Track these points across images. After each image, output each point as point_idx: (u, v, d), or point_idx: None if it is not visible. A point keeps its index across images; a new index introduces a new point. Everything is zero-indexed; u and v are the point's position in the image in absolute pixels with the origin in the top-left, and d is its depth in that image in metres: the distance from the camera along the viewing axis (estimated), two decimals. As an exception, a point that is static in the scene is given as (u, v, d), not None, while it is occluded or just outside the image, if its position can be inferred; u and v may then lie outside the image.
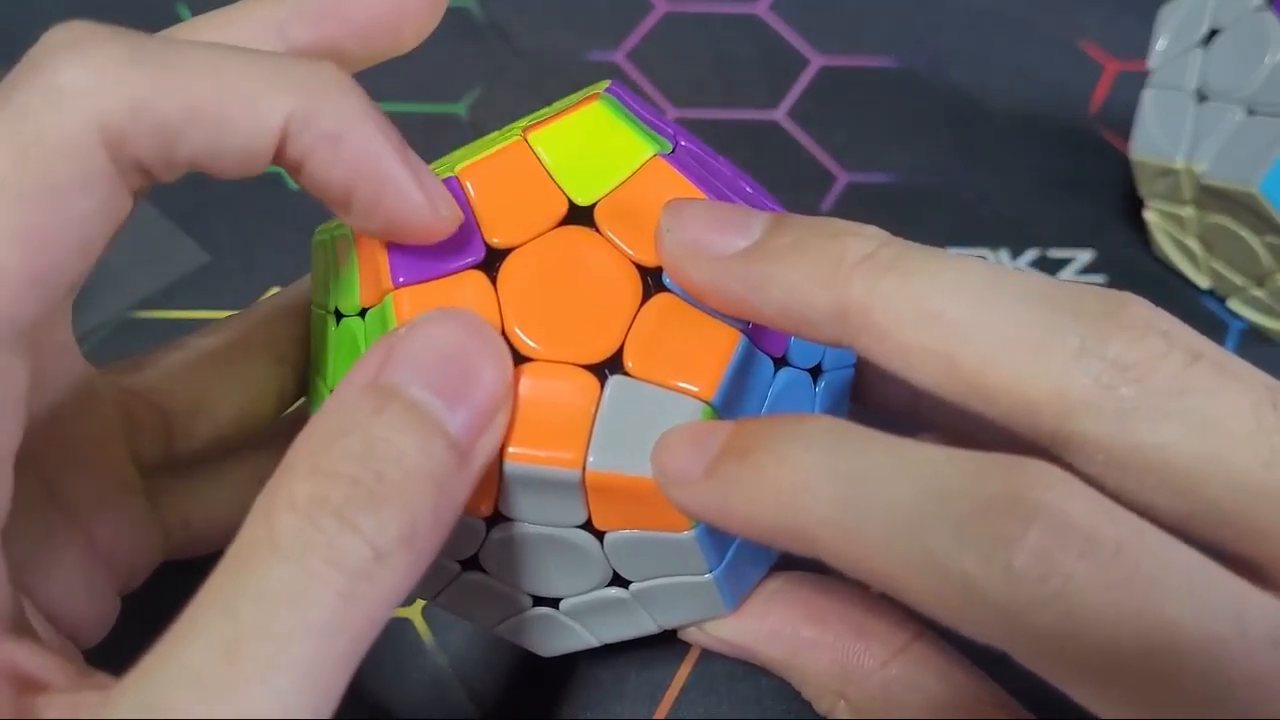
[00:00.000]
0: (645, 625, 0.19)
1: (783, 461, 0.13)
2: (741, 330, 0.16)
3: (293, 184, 0.32)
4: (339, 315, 0.18)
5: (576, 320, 0.15)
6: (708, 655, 0.25)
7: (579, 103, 0.17)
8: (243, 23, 0.16)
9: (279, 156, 0.15)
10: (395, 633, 0.25)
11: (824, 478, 0.13)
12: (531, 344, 0.15)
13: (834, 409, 0.19)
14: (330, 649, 0.12)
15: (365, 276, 0.17)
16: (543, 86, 0.36)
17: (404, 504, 0.13)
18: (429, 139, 0.34)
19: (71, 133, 0.13)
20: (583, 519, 0.16)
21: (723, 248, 0.15)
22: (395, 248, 0.16)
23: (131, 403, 0.19)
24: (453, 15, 0.38)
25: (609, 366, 0.15)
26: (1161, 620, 0.11)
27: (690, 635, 0.19)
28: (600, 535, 0.16)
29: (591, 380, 0.15)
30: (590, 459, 0.15)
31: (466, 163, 0.17)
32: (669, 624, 0.19)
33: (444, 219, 0.15)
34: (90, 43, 0.14)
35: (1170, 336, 0.13)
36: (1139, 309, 0.13)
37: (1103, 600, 0.11)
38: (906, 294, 0.14)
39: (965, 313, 0.13)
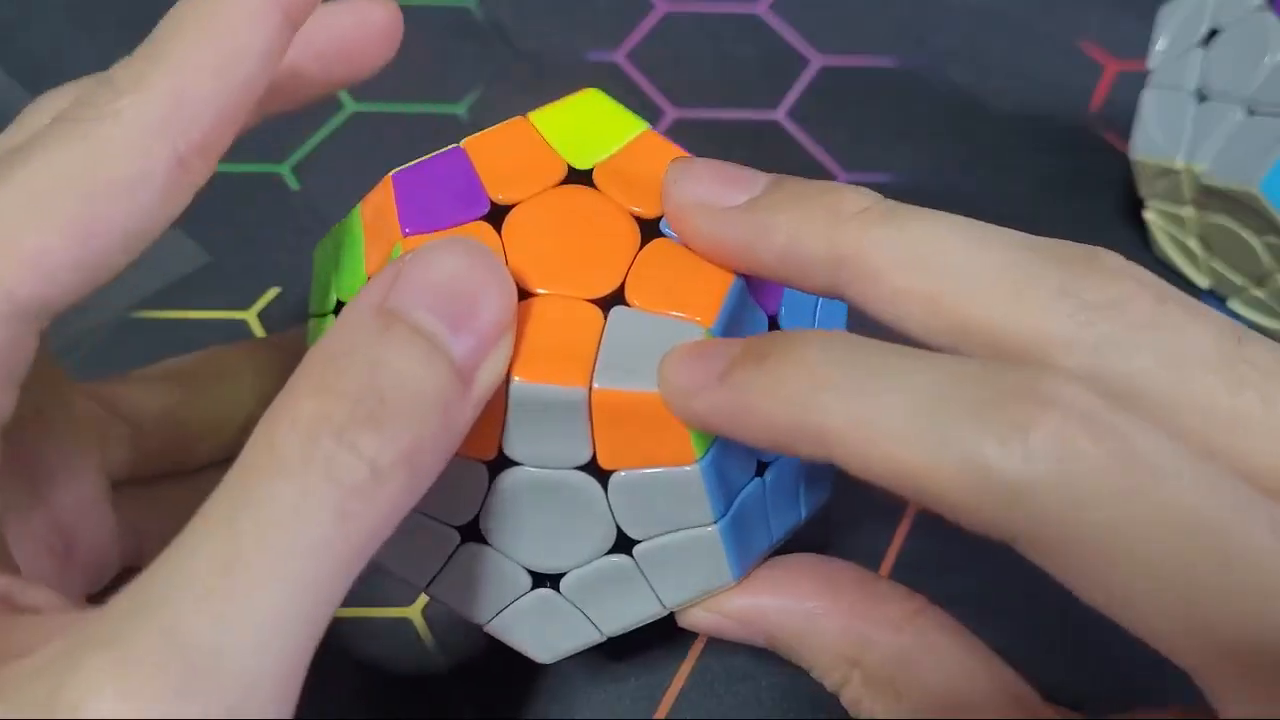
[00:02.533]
0: (650, 605, 0.18)
1: (801, 362, 0.14)
2: (736, 274, 0.17)
3: (293, 184, 0.32)
4: (340, 307, 0.18)
5: (579, 263, 0.16)
6: (707, 655, 0.25)
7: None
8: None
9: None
10: (395, 633, 0.25)
11: (842, 373, 0.13)
12: (536, 285, 0.16)
13: None
14: (326, 565, 0.13)
15: (372, 246, 0.18)
16: (543, 86, 0.36)
17: (404, 425, 0.13)
18: (429, 139, 0.34)
19: (125, 130, 0.14)
20: (587, 455, 0.16)
21: (728, 200, 0.16)
22: (405, 204, 0.17)
23: (103, 416, 0.20)
24: (453, 15, 0.38)
25: (611, 300, 0.16)
26: (1163, 499, 0.12)
27: (694, 618, 0.19)
28: (604, 478, 0.16)
29: (595, 311, 0.16)
30: (596, 377, 0.15)
31: (471, 137, 0.18)
32: (674, 600, 0.18)
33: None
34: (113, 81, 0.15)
35: (1141, 280, 0.14)
36: (1113, 257, 0.14)
37: (1111, 481, 0.12)
38: (899, 242, 0.15)
39: (953, 258, 0.14)
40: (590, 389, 0.15)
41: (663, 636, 0.24)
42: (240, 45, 0.15)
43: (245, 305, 0.30)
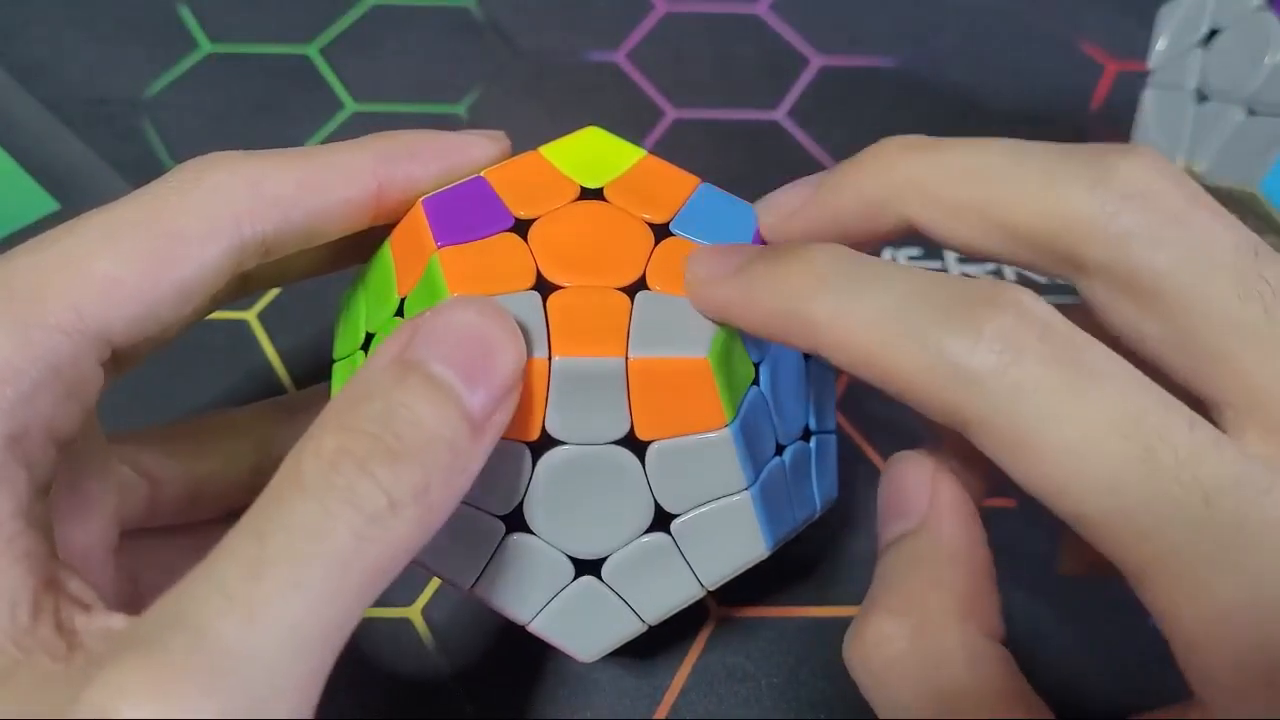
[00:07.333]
0: (689, 586, 0.19)
1: (805, 261, 0.16)
2: None
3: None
4: (369, 340, 0.20)
5: (602, 261, 0.18)
6: (708, 655, 0.25)
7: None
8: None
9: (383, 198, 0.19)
10: (395, 633, 0.25)
11: (835, 275, 0.16)
12: (566, 280, 0.18)
13: (821, 395, 0.21)
14: (344, 580, 0.14)
15: (403, 268, 0.19)
16: (543, 86, 0.36)
17: (419, 463, 0.15)
18: (429, 139, 0.34)
19: (202, 196, 0.17)
20: (625, 427, 0.17)
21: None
22: (436, 222, 0.18)
23: (124, 470, 0.20)
24: (453, 15, 0.38)
25: (635, 287, 0.18)
26: (1097, 395, 0.13)
27: None
28: (642, 451, 0.18)
29: (622, 297, 0.18)
30: (631, 348, 0.17)
31: (488, 169, 0.20)
32: (711, 577, 0.19)
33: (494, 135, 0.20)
34: (219, 156, 0.18)
35: (1174, 179, 0.15)
36: (1150, 153, 0.15)
37: (1048, 373, 0.13)
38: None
39: (997, 170, 0.16)
40: (627, 358, 0.17)
41: (663, 636, 0.25)
42: (331, 187, 0.18)
43: (246, 306, 0.30)
